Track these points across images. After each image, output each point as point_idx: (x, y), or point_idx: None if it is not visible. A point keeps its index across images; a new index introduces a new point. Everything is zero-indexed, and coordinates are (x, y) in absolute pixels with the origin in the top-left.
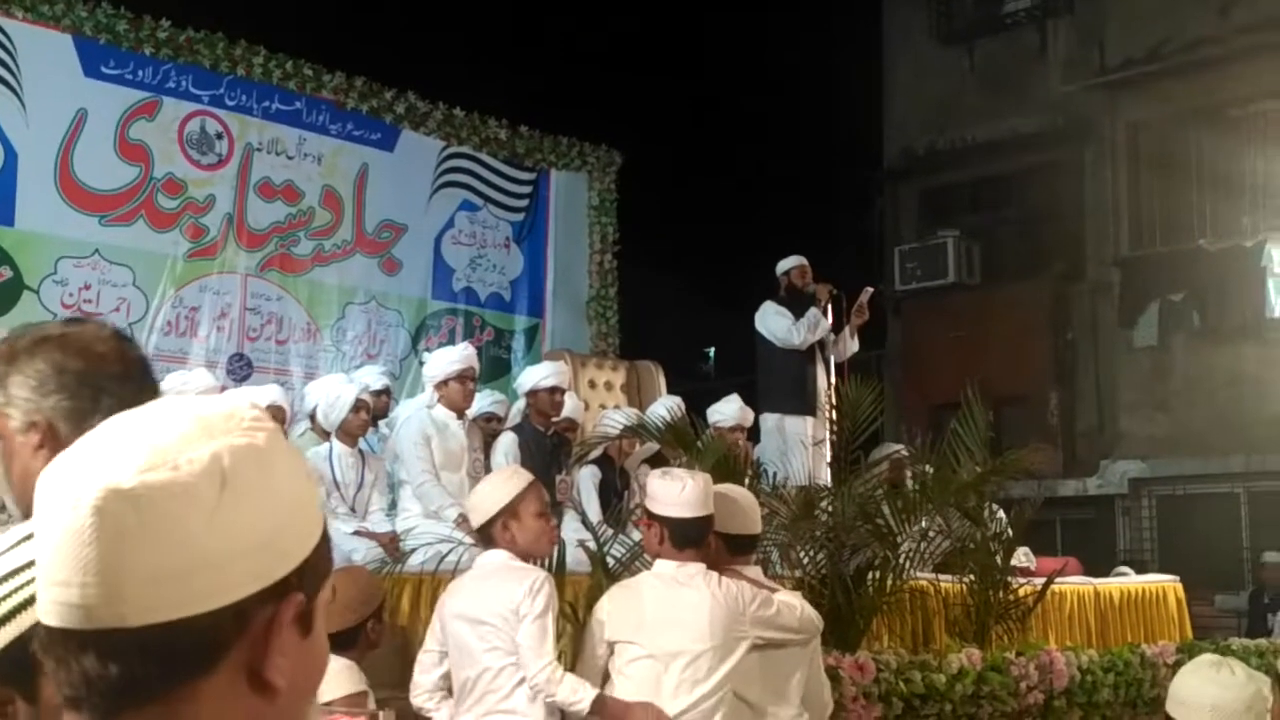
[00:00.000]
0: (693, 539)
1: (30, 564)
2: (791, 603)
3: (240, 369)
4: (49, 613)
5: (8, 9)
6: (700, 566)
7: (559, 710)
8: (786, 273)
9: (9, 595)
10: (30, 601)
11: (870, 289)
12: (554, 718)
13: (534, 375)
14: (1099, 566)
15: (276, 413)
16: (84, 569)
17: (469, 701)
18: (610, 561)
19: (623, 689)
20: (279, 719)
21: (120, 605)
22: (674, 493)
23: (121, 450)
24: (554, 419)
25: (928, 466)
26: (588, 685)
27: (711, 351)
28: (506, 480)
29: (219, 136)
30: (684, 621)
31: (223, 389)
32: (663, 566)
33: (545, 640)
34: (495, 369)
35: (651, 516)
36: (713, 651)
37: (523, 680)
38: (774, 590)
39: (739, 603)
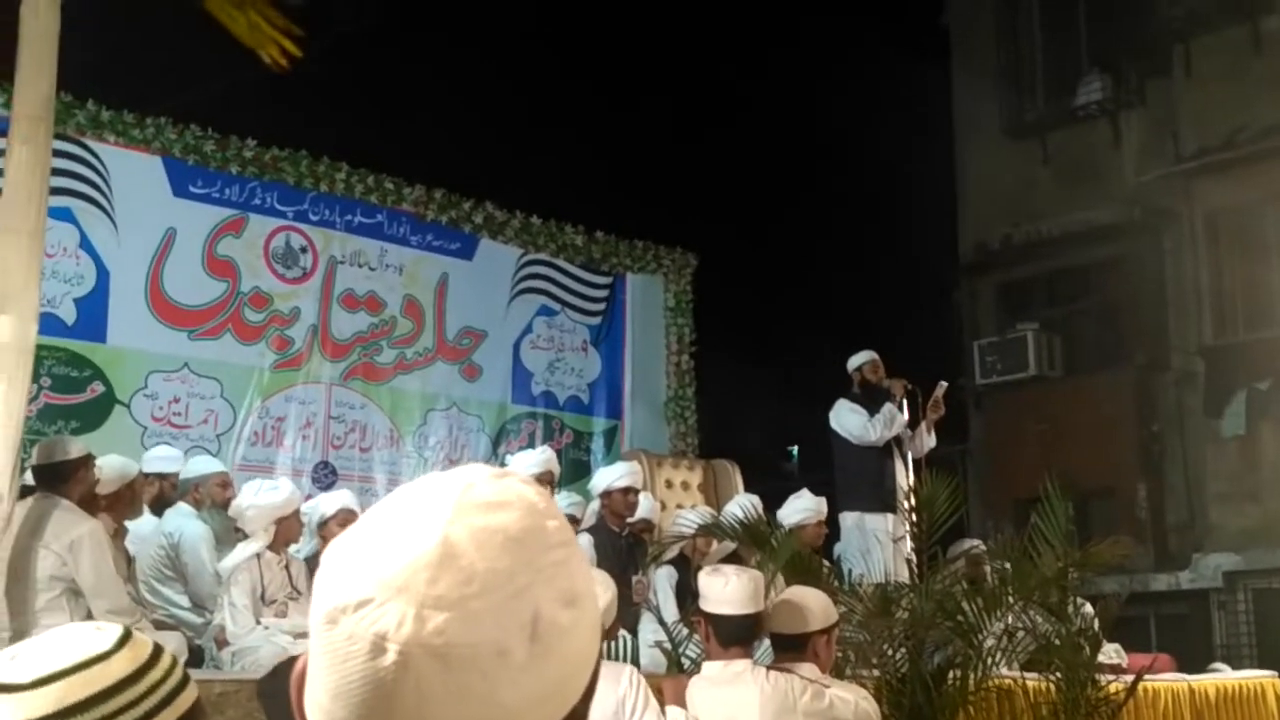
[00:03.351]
0: (738, 636)
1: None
2: (845, 696)
3: (325, 477)
4: None
5: (100, 134)
6: (747, 663)
7: None
8: (859, 368)
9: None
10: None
11: (945, 384)
12: None
13: (608, 476)
14: (1196, 662)
15: (348, 517)
16: (378, 718)
17: None
18: (685, 662)
19: None
20: None
21: None
22: (718, 589)
23: (429, 584)
24: (629, 519)
25: (1007, 563)
26: None
27: (795, 449)
28: (607, 588)
29: (303, 250)
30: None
31: (307, 498)
32: (709, 669)
33: None
34: (575, 471)
35: (701, 613)
36: None
37: None
38: (827, 685)
39: (789, 697)
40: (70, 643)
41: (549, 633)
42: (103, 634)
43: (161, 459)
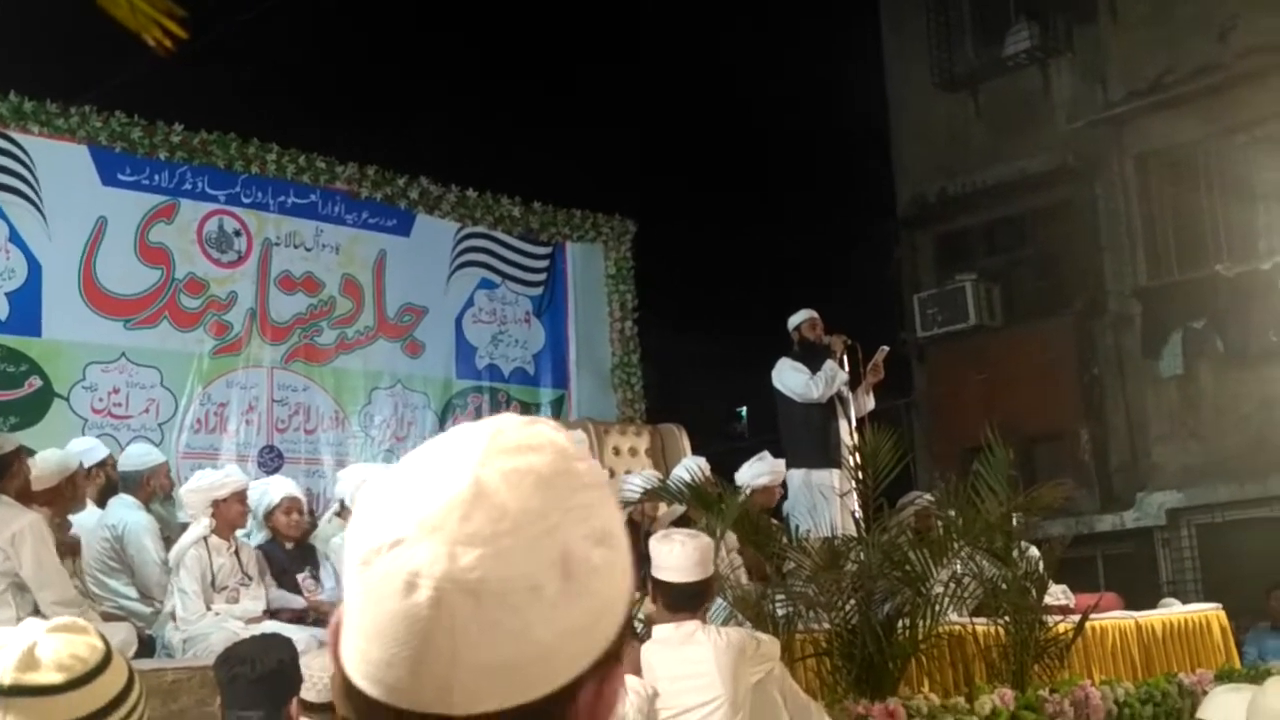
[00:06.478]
0: (685, 603)
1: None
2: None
3: (271, 461)
4: (369, 681)
5: (24, 125)
6: (697, 623)
7: None
8: (797, 327)
9: None
10: None
11: (886, 348)
12: None
13: None
14: (1144, 600)
15: (293, 505)
16: (413, 655)
17: None
18: (639, 626)
19: None
20: None
21: (447, 695)
22: (666, 556)
23: (461, 522)
24: None
25: (953, 510)
26: None
27: (744, 411)
28: None
29: (237, 234)
30: (695, 676)
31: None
32: (660, 631)
33: None
34: None
35: (650, 578)
36: (727, 699)
37: None
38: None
39: (745, 648)
40: (68, 643)
41: (581, 570)
42: (88, 634)
43: (85, 452)
